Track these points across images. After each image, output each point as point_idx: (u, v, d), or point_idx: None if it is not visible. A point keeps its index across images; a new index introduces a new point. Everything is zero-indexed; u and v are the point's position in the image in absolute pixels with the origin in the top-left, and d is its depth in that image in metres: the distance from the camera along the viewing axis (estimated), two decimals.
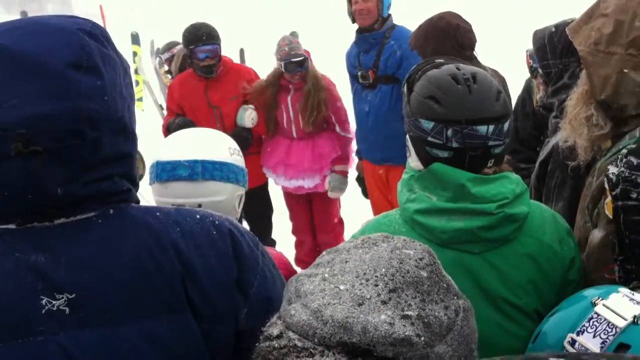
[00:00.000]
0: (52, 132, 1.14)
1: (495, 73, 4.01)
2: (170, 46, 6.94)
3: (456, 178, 1.74)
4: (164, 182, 2.16)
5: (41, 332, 1.14)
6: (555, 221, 1.89)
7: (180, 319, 1.22)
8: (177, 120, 5.05)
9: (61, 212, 1.21)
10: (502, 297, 1.78)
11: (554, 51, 2.59)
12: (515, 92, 3.74)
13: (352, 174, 5.36)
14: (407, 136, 1.88)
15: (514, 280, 1.78)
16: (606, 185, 1.81)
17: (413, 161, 1.87)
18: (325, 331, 0.93)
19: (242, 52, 7.88)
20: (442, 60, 1.89)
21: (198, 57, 4.99)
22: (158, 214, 1.29)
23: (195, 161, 2.18)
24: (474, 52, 3.93)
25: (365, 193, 5.27)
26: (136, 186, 1.33)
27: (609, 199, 1.81)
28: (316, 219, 5.45)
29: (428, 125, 1.76)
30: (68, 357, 1.15)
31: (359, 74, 4.84)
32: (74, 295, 1.16)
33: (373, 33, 4.77)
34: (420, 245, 1.05)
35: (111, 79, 1.24)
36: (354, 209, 5.68)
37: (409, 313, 0.93)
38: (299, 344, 0.94)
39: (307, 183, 5.19)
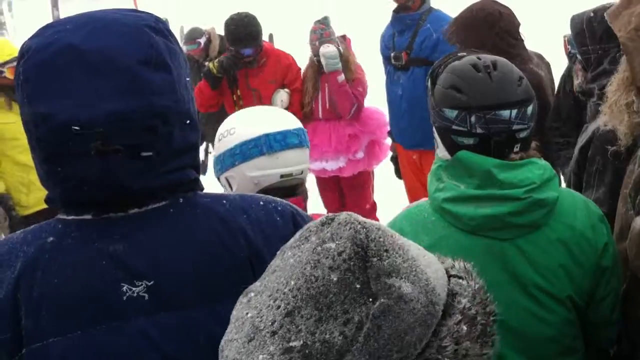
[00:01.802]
0: (128, 130, 1.19)
1: (540, 58, 3.98)
2: (193, 36, 6.73)
3: (482, 165, 1.76)
4: (275, 152, 2.22)
5: (123, 318, 1.20)
6: (587, 207, 1.88)
7: None
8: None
9: (134, 202, 1.26)
10: (533, 284, 1.78)
11: (593, 36, 2.57)
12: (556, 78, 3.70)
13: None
14: (434, 127, 1.91)
15: (545, 265, 1.78)
16: None
17: (441, 151, 1.90)
18: None
19: (271, 37, 7.87)
20: (464, 53, 1.93)
21: (241, 53, 5.06)
22: (225, 201, 1.34)
23: (299, 129, 2.31)
24: (521, 35, 3.81)
25: (399, 173, 5.23)
26: (199, 174, 1.37)
27: None
28: (347, 205, 5.47)
29: (452, 114, 1.79)
30: (148, 340, 1.21)
31: (392, 54, 4.82)
32: (152, 282, 1.22)
33: (410, 14, 4.74)
34: (350, 229, 0.92)
35: (178, 72, 1.27)
36: (388, 194, 5.67)
37: (293, 344, 0.85)
38: None
39: (330, 165, 5.18)
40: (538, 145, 1.92)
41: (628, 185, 1.95)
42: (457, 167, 1.80)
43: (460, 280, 1.00)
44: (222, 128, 2.32)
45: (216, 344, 1.22)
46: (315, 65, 5.13)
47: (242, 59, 5.08)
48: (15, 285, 1.20)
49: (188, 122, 1.30)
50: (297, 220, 1.36)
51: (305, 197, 2.40)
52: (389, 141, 5.27)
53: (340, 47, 5.01)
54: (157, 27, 1.28)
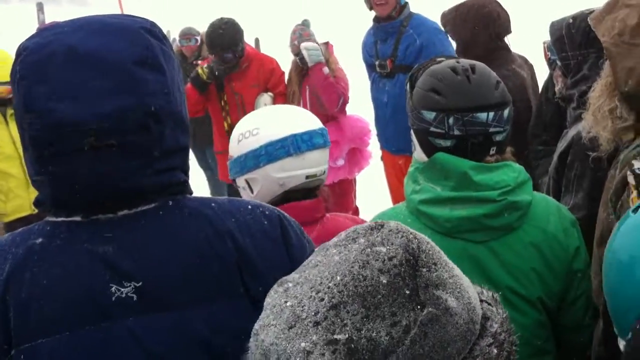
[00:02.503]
0: (121, 127, 1.20)
1: (524, 61, 4.05)
2: (188, 34, 6.75)
3: (458, 166, 1.78)
4: (302, 152, 2.19)
5: (111, 318, 1.21)
6: (560, 212, 1.92)
7: (238, 304, 1.27)
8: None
9: (123, 204, 1.27)
10: (507, 286, 1.80)
11: (572, 42, 2.58)
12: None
13: (372, 165, 5.35)
14: (412, 130, 1.93)
15: (518, 268, 1.81)
16: (631, 181, 1.81)
17: (418, 154, 1.92)
18: (256, 356, 0.92)
19: (257, 41, 7.88)
20: (442, 58, 1.96)
21: (223, 57, 5.09)
22: (213, 204, 1.35)
23: (323, 129, 2.28)
24: (506, 41, 3.96)
25: None
26: (188, 177, 1.39)
27: (634, 194, 1.81)
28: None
29: (430, 115, 1.82)
30: (137, 341, 1.22)
31: (377, 63, 4.83)
32: (140, 283, 1.23)
33: (391, 22, 4.74)
34: (402, 237, 0.93)
35: (171, 75, 1.29)
36: (371, 199, 5.67)
37: (338, 337, 0.85)
38: None
39: None
40: (512, 150, 1.95)
41: (609, 190, 1.96)
42: (433, 169, 1.82)
43: (490, 307, 1.03)
44: (242, 128, 2.26)
45: (204, 345, 1.25)
46: (299, 67, 5.14)
47: (225, 63, 5.10)
48: (4, 288, 1.21)
49: (179, 123, 1.31)
50: (284, 224, 1.38)
51: (326, 198, 2.37)
52: (371, 148, 5.28)
53: (320, 47, 5.02)
54: (153, 30, 1.30)
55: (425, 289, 0.89)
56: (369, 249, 0.92)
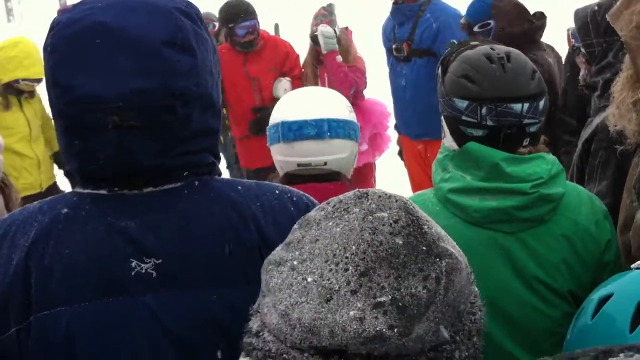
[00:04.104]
0: (146, 107, 1.20)
1: (551, 50, 4.07)
2: (207, 19, 6.86)
3: (490, 157, 1.74)
4: (290, 141, 2.22)
5: (130, 292, 1.23)
6: (592, 203, 1.88)
7: (258, 289, 1.27)
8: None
9: (149, 181, 1.28)
10: (535, 277, 1.78)
11: (597, 30, 2.56)
12: None
13: (392, 149, 5.35)
14: (442, 116, 1.89)
15: (548, 260, 1.78)
16: None
17: (448, 141, 1.88)
18: (294, 336, 0.89)
19: (276, 26, 7.86)
20: (476, 43, 1.90)
21: (237, 34, 5.04)
22: (240, 187, 1.35)
23: (322, 120, 2.24)
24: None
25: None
26: (219, 160, 1.39)
27: None
28: None
29: (462, 104, 1.77)
30: (153, 316, 1.23)
31: (394, 46, 4.83)
32: (160, 261, 1.24)
33: (408, 4, 4.74)
34: (395, 201, 0.95)
35: (203, 57, 1.28)
36: (390, 186, 5.68)
37: (382, 299, 0.86)
38: (273, 348, 0.92)
39: None
40: (546, 140, 1.91)
41: (633, 177, 1.96)
42: (464, 158, 1.79)
43: None
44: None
45: (220, 327, 1.25)
46: (314, 51, 5.10)
47: (240, 39, 5.05)
48: (27, 253, 1.23)
49: (209, 106, 1.31)
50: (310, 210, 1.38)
51: (349, 185, 2.33)
52: (390, 132, 5.28)
53: (337, 31, 4.98)
54: (187, 11, 1.29)
55: (435, 243, 0.92)
56: (370, 216, 0.93)
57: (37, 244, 1.24)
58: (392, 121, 5.27)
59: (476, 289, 0.99)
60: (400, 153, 5.28)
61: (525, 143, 1.79)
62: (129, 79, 1.19)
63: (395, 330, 0.85)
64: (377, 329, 0.85)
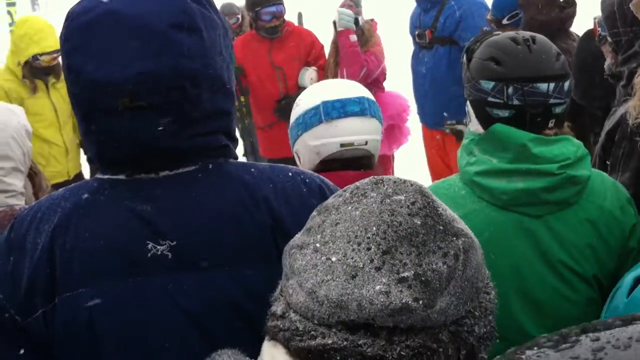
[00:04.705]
0: (156, 88, 1.24)
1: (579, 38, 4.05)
2: (230, 12, 6.80)
3: (517, 138, 1.75)
4: (333, 120, 2.19)
5: (147, 274, 1.27)
6: (617, 188, 1.89)
7: (271, 269, 1.28)
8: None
9: (165, 164, 1.32)
10: (560, 261, 1.79)
11: (623, 19, 2.55)
12: None
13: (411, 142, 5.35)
14: (468, 102, 1.91)
15: (573, 244, 1.79)
16: None
17: (473, 125, 1.89)
18: (322, 312, 0.92)
19: (300, 15, 7.84)
20: (499, 32, 1.93)
21: (263, 18, 5.06)
22: (253, 170, 1.38)
23: (363, 97, 2.25)
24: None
25: None
26: (235, 142, 1.42)
27: None
28: None
29: (488, 85, 1.79)
30: (170, 297, 1.27)
31: (417, 33, 4.83)
32: (175, 242, 1.27)
33: None
34: (411, 185, 0.98)
35: (211, 39, 1.32)
36: (409, 174, 5.67)
37: (405, 274, 0.89)
38: (300, 326, 0.94)
39: None
40: (570, 126, 1.92)
41: None
42: (490, 141, 1.80)
43: None
44: (295, 102, 2.35)
45: (235, 307, 1.28)
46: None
47: (265, 24, 5.06)
48: (51, 238, 1.27)
49: (219, 87, 1.34)
50: (324, 193, 1.39)
51: (377, 172, 2.38)
52: (409, 124, 5.28)
53: (360, 19, 4.96)
54: None
55: (450, 223, 0.96)
56: (387, 199, 0.96)
57: (60, 229, 1.28)
58: (412, 113, 5.27)
59: (488, 271, 1.02)
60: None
61: (550, 124, 1.80)
62: (138, 61, 1.23)
63: (420, 302, 0.89)
64: (403, 301, 0.88)
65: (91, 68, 1.23)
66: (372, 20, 5.20)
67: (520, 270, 1.77)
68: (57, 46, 4.67)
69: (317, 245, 0.97)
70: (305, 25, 6.39)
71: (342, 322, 0.91)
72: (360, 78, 4.96)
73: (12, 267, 1.28)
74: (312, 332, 0.92)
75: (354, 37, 4.90)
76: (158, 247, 1.27)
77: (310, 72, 5.10)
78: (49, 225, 1.29)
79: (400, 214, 0.94)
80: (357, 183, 1.02)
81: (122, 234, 1.27)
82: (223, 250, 1.29)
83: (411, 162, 5.48)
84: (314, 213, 1.04)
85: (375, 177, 1.02)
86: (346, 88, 2.31)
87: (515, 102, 1.77)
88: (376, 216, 0.94)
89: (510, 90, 1.76)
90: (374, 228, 0.93)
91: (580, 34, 4.12)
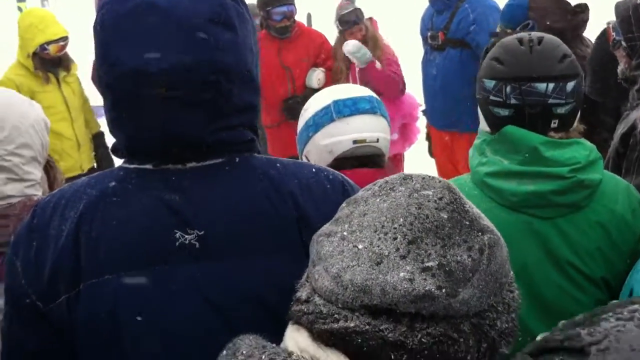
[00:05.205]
0: (192, 81, 1.25)
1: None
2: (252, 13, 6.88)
3: (529, 141, 1.76)
4: (345, 117, 2.23)
5: (173, 263, 1.27)
6: (629, 192, 1.88)
7: (296, 263, 1.28)
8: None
9: (192, 156, 1.32)
10: (569, 263, 1.79)
11: (638, 23, 2.55)
12: None
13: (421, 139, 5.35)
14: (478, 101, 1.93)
15: (583, 247, 1.79)
16: None
17: (482, 125, 1.92)
18: (346, 296, 0.93)
19: (309, 17, 7.88)
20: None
21: (274, 18, 5.06)
22: (278, 165, 1.39)
23: (372, 96, 2.30)
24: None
25: (431, 151, 5.28)
26: (257, 137, 1.43)
27: None
28: None
29: (490, 84, 1.83)
30: (196, 286, 1.27)
31: (429, 34, 4.83)
32: (203, 232, 1.28)
33: None
34: (439, 182, 1.01)
35: (243, 35, 1.33)
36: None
37: (430, 264, 0.91)
38: (324, 310, 0.95)
39: None
40: (585, 129, 1.93)
41: None
42: (502, 142, 1.81)
43: None
44: (304, 107, 2.38)
45: (259, 299, 1.29)
46: (344, 42, 5.07)
47: (276, 24, 5.06)
48: (77, 225, 1.27)
49: (248, 83, 1.35)
50: (346, 189, 1.40)
51: (390, 170, 2.38)
52: (420, 123, 5.28)
53: (358, 17, 4.96)
54: None
55: (477, 220, 0.98)
56: (415, 194, 0.98)
57: (86, 216, 1.28)
58: (420, 112, 5.27)
59: (512, 271, 1.04)
60: (427, 136, 5.27)
61: (553, 125, 1.81)
62: (176, 53, 1.23)
63: (443, 290, 0.90)
64: (427, 288, 0.90)
65: (127, 58, 1.24)
66: (370, 19, 5.18)
67: (528, 271, 1.77)
68: (63, 33, 4.70)
69: (345, 233, 0.99)
70: (314, 26, 6.40)
71: (365, 306, 0.92)
72: (401, 90, 4.98)
73: (34, 253, 1.28)
74: (336, 316, 0.94)
75: (378, 65, 4.88)
76: (186, 236, 1.27)
77: (317, 73, 5.11)
78: (74, 212, 1.29)
79: (427, 208, 0.96)
80: (387, 178, 1.05)
81: (150, 223, 1.28)
82: (249, 242, 1.30)
83: (419, 163, 5.47)
84: (343, 205, 1.06)
85: (404, 173, 1.05)
86: (354, 88, 2.35)
87: (513, 101, 1.80)
88: (403, 208, 0.96)
89: (509, 89, 1.80)
90: (401, 219, 0.95)
91: (593, 39, 4.12)
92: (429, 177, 1.02)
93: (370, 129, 2.25)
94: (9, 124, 2.02)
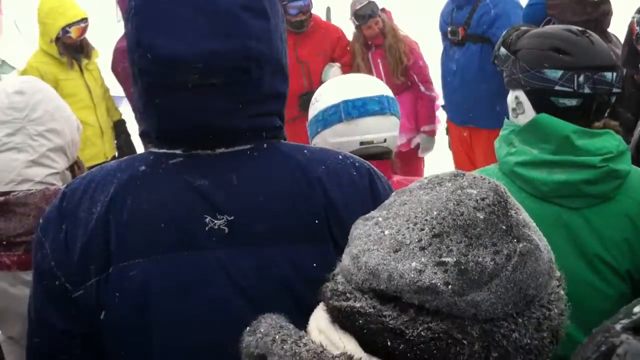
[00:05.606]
0: (225, 67, 1.25)
1: (619, 42, 4.00)
2: None
3: (561, 130, 1.76)
4: (353, 119, 2.24)
5: (203, 247, 1.28)
6: None
7: (323, 248, 1.31)
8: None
9: (222, 142, 1.33)
10: (596, 255, 1.79)
11: None
12: None
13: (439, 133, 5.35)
14: (520, 93, 1.90)
15: (610, 238, 1.79)
16: None
17: (526, 117, 1.89)
18: (359, 277, 0.95)
19: (328, 10, 7.87)
20: (532, 27, 1.98)
21: (290, 12, 5.06)
22: (306, 151, 1.40)
23: (382, 96, 2.29)
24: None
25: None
26: (284, 125, 1.43)
27: None
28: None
29: (555, 74, 1.82)
30: (224, 270, 1.28)
31: (449, 29, 4.81)
32: (232, 217, 1.29)
33: None
34: (489, 182, 0.98)
35: (275, 23, 1.34)
36: (439, 169, 5.65)
37: (446, 259, 0.89)
38: (341, 287, 0.97)
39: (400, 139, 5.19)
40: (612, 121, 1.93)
41: None
42: (532, 132, 1.81)
43: None
44: (313, 97, 2.38)
45: (287, 285, 1.29)
46: (361, 37, 5.10)
47: (292, 18, 5.06)
48: (107, 208, 1.28)
49: (278, 70, 1.35)
50: (372, 177, 1.41)
51: (394, 166, 2.38)
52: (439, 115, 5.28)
53: (373, 10, 4.98)
54: None
55: (517, 227, 0.94)
56: (459, 191, 0.96)
57: (116, 199, 1.29)
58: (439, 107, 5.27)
59: (562, 293, 1.00)
60: (447, 131, 5.26)
61: (606, 114, 1.84)
62: (209, 40, 1.24)
63: (450, 287, 0.89)
64: (432, 281, 0.89)
65: (161, 43, 1.24)
66: (383, 10, 5.16)
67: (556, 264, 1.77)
68: (82, 15, 4.71)
69: (380, 219, 1.00)
70: (334, 20, 6.38)
71: (373, 290, 0.93)
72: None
73: (64, 236, 1.29)
74: (347, 294, 0.96)
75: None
76: (215, 221, 1.28)
77: (335, 70, 5.08)
78: (104, 195, 1.30)
79: (465, 205, 0.94)
80: (440, 173, 1.04)
81: (180, 207, 1.28)
82: (278, 228, 1.30)
83: (439, 154, 5.47)
84: (393, 194, 1.06)
85: (458, 170, 1.03)
86: (366, 85, 2.33)
87: (587, 90, 1.80)
88: (442, 203, 0.96)
89: (582, 78, 1.80)
90: (435, 212, 0.95)
91: (616, 33, 4.09)
92: (481, 177, 1.00)
93: (377, 130, 2.26)
94: (43, 108, 2.04)
